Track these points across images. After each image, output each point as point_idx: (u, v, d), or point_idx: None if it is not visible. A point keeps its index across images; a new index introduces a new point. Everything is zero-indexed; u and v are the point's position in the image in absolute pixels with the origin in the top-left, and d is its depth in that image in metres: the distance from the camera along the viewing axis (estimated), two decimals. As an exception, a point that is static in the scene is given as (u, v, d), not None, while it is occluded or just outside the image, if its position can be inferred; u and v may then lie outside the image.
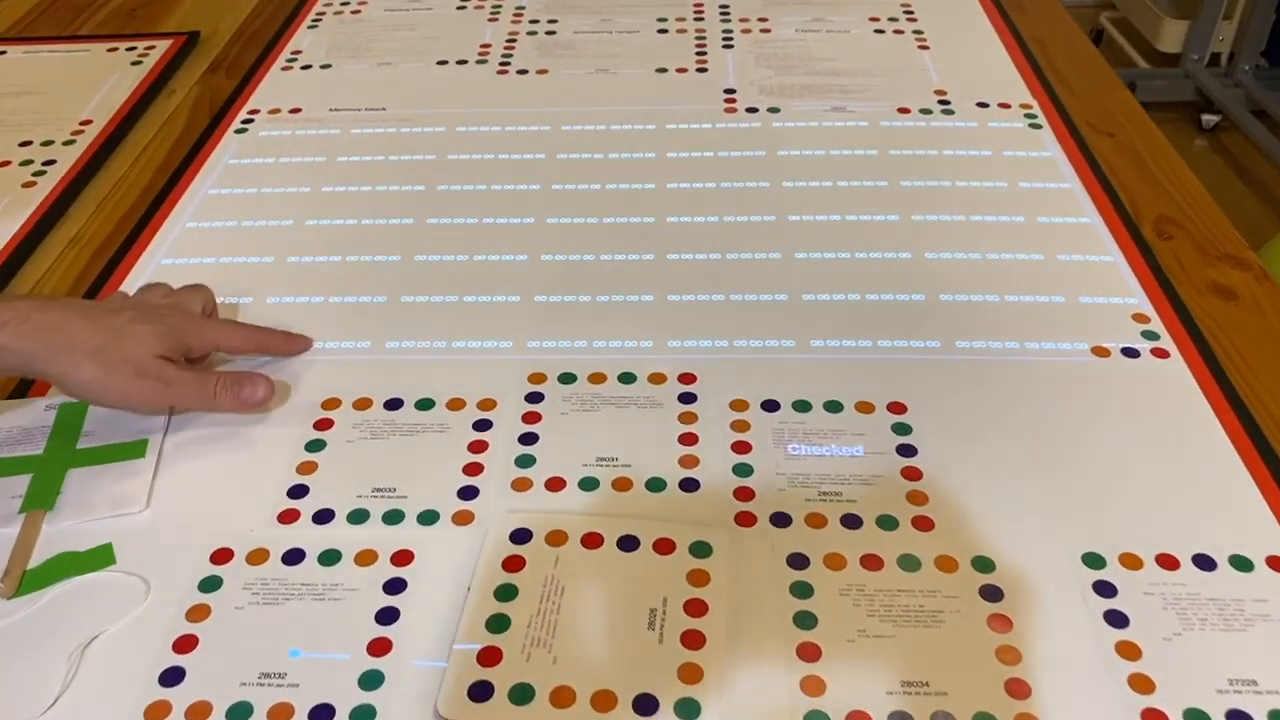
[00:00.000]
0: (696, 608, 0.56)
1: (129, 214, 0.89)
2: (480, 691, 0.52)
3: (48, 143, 0.97)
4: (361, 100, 1.03)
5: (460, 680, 0.53)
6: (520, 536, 0.60)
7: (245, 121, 1.01)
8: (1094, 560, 0.59)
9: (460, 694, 0.52)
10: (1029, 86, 1.03)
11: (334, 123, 1.00)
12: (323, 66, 1.10)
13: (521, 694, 0.52)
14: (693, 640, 0.54)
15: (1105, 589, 0.57)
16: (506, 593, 0.57)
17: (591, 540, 0.59)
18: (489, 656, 0.54)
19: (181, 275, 0.81)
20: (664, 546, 0.59)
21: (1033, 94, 1.02)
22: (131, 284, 0.81)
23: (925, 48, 1.10)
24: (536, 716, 0.51)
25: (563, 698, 0.52)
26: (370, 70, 1.09)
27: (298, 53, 1.13)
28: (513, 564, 0.58)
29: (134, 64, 1.10)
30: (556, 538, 0.60)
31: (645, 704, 0.52)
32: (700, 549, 0.59)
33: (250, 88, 1.07)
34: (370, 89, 1.05)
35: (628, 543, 0.59)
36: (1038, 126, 0.97)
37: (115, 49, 1.14)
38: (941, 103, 1.00)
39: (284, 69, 1.10)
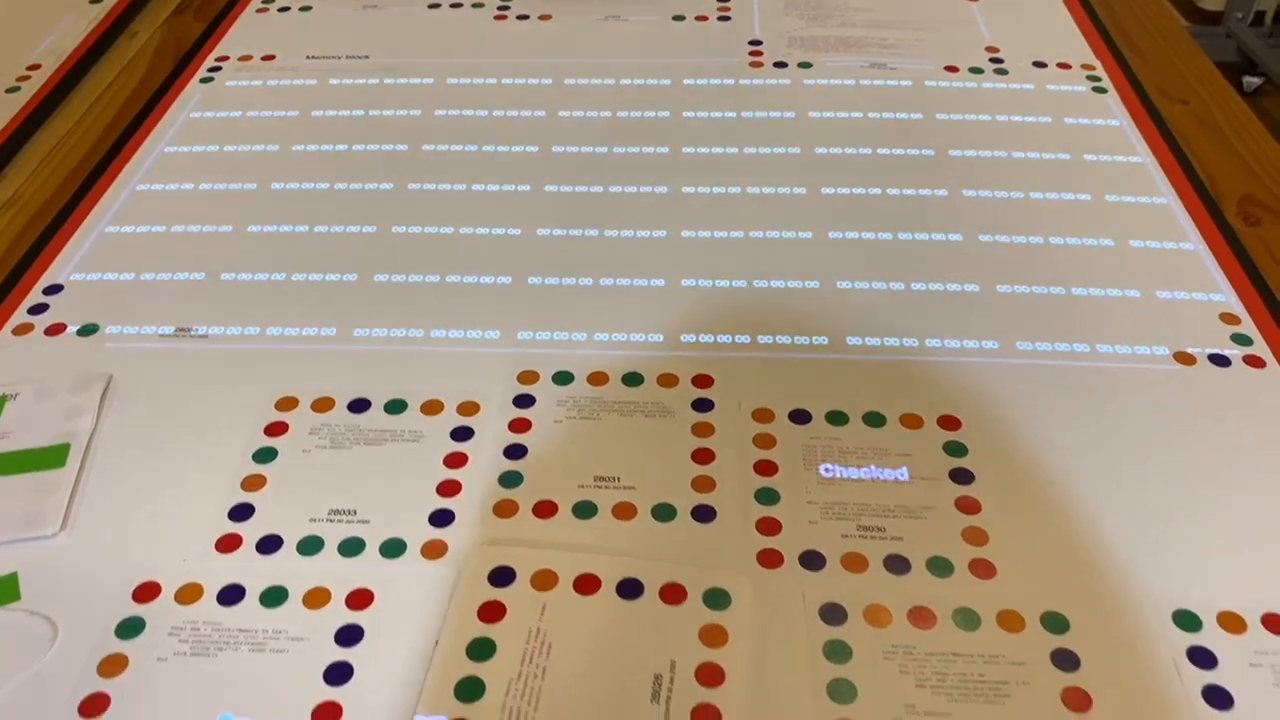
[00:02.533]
0: (710, 675, 0.46)
1: (74, 173, 0.79)
2: None
3: (-11, 89, 0.87)
4: (343, 47, 0.92)
5: None
6: (501, 577, 0.50)
7: (212, 69, 0.90)
8: (1188, 621, 0.49)
9: None
10: (1090, 44, 0.91)
11: (310, 72, 0.89)
12: (302, 9, 0.98)
13: None
14: (705, 718, 0.44)
15: (1202, 658, 0.47)
16: (482, 650, 0.47)
17: (586, 584, 0.50)
18: None
19: (127, 245, 0.71)
20: (673, 594, 0.49)
21: (1095, 54, 0.90)
22: (72, 253, 0.71)
23: (974, -1, 0.98)
24: None
25: None
26: (354, 13, 0.97)
27: (275, -8, 1.01)
28: (491, 612, 0.49)
29: (93, 2, 0.99)
30: (545, 579, 0.50)
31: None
32: (716, 599, 0.49)
33: (220, 31, 0.96)
34: (353, 34, 0.94)
35: (629, 588, 0.49)
36: (1102, 90, 0.86)
37: (73, -15, 1.02)
38: (994, 61, 0.89)
39: (259, 10, 0.99)
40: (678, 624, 0.48)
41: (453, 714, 0.45)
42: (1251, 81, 2.62)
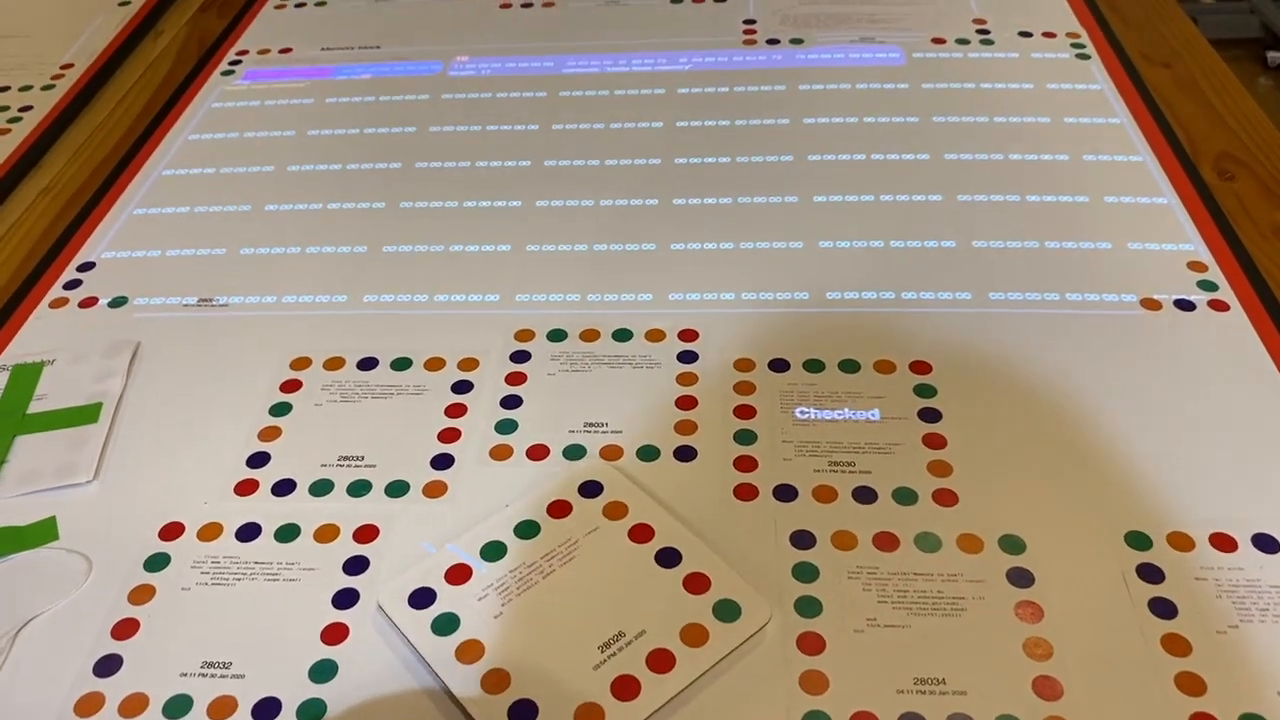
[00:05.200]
0: (661, 662, 0.48)
1: (105, 162, 0.84)
2: (419, 600, 0.50)
3: (26, 88, 0.92)
4: (355, 38, 0.97)
5: (418, 579, 0.51)
6: (589, 489, 0.55)
7: (233, 63, 0.95)
8: (1139, 540, 0.52)
9: (404, 591, 0.51)
10: (1077, 14, 0.94)
11: (325, 62, 0.93)
12: (317, 4, 1.03)
13: (444, 624, 0.49)
14: (624, 688, 0.47)
15: (1151, 573, 0.50)
16: (528, 530, 0.53)
17: (640, 533, 0.53)
18: (456, 575, 0.51)
19: (154, 226, 0.76)
20: (696, 583, 0.51)
21: (1081, 22, 0.93)
22: (103, 234, 0.76)
23: (964, -27, 1.01)
24: (435, 651, 0.48)
25: (468, 652, 0.48)
26: (367, 6, 1.02)
27: (293, -11, 1.06)
28: (557, 509, 0.54)
29: (122, 4, 1.05)
30: (615, 510, 0.54)
31: (525, 711, 0.46)
32: (726, 610, 0.49)
33: (241, 27, 1.01)
34: (366, 26, 0.99)
35: (668, 557, 0.52)
36: (1086, 57, 0.88)
37: (104, -11, 1.08)
38: (980, 32, 0.92)
39: (277, 7, 1.04)
40: (677, 607, 0.50)
41: (468, 561, 0.52)
42: (1275, 56, 2.61)
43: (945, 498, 0.54)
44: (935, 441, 0.57)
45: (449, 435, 0.59)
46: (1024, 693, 0.46)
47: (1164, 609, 0.49)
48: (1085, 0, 0.96)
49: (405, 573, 0.51)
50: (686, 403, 0.60)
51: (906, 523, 0.53)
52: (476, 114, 0.85)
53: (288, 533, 0.54)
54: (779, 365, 0.62)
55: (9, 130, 0.87)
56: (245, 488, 0.57)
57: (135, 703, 0.47)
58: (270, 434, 0.60)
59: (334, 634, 0.50)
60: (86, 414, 0.61)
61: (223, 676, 0.48)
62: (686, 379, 0.62)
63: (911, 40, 0.91)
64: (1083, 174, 0.75)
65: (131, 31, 1.00)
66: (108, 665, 0.49)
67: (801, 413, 0.59)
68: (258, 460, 0.58)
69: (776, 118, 0.83)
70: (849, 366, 0.62)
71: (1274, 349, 0.61)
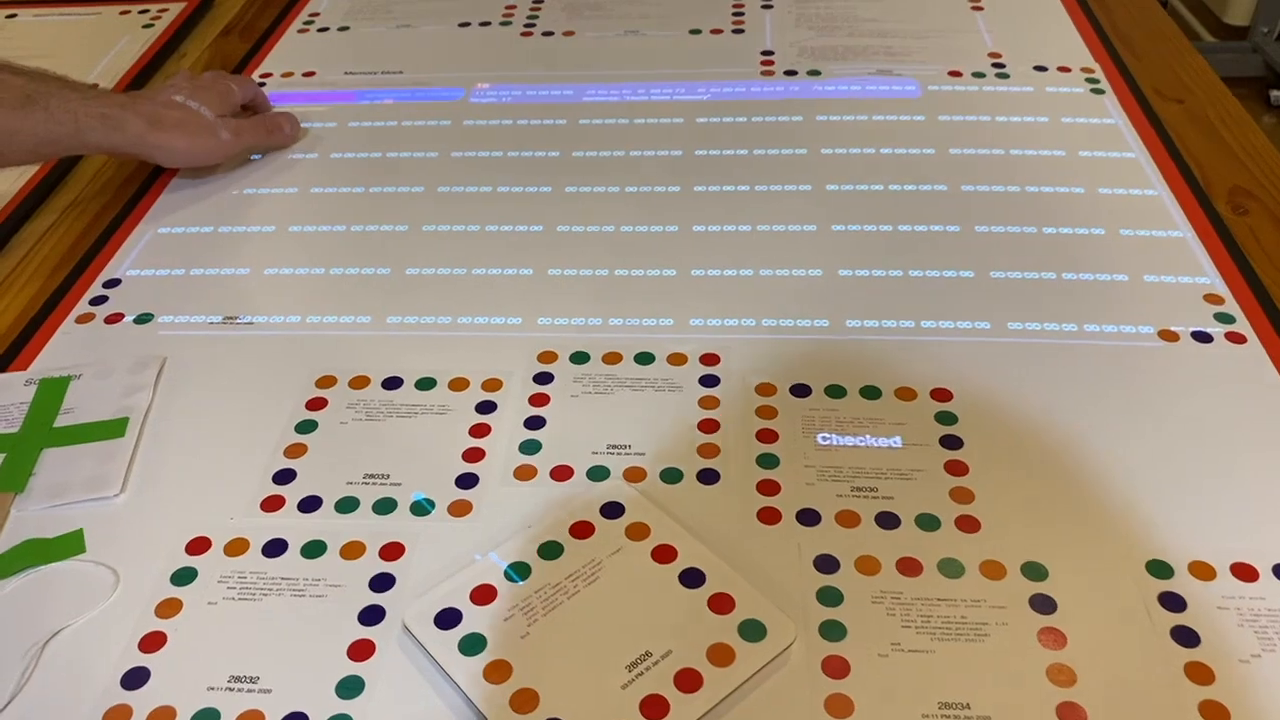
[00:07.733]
0: (689, 682, 0.48)
1: (129, 180, 0.85)
2: (446, 620, 0.50)
3: (52, 106, 0.93)
4: (378, 63, 0.98)
5: (443, 599, 0.51)
6: (611, 510, 0.55)
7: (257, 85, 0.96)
8: (1160, 569, 0.52)
9: (431, 611, 0.51)
10: (1091, 49, 0.95)
11: (348, 86, 0.95)
12: (340, 29, 1.05)
13: (471, 644, 0.49)
14: (652, 708, 0.47)
15: (1173, 602, 0.51)
16: (551, 551, 0.53)
17: (663, 554, 0.53)
18: (482, 595, 0.51)
19: (179, 244, 0.77)
20: (721, 603, 0.51)
21: (1095, 57, 0.94)
22: (128, 251, 0.76)
23: (979, 8, 1.02)
24: (464, 671, 0.48)
25: (496, 671, 0.48)
26: (389, 32, 1.03)
27: (315, 15, 1.08)
28: (579, 530, 0.54)
29: (145, 27, 1.06)
30: (638, 530, 0.54)
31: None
32: (751, 630, 0.50)
33: (264, 51, 1.02)
34: (388, 51, 1.00)
35: (692, 577, 0.52)
36: (1100, 92, 0.89)
37: (128, 12, 1.10)
38: (996, 66, 0.93)
39: (300, 31, 1.05)
40: (701, 629, 0.50)
41: (492, 581, 0.52)
42: (1279, 95, 2.63)
43: (967, 524, 0.55)
44: (957, 468, 0.58)
45: (473, 455, 0.60)
46: (1047, 718, 0.46)
47: (1186, 637, 0.49)
48: (1099, 35, 0.97)
49: (428, 594, 0.52)
50: (709, 426, 0.61)
51: (929, 549, 0.54)
52: (498, 140, 0.86)
53: (314, 549, 0.55)
54: (800, 390, 0.63)
55: (35, 148, 0.87)
56: (271, 504, 0.57)
57: (163, 716, 0.48)
58: (296, 451, 0.60)
59: (360, 650, 0.50)
60: (113, 428, 0.61)
61: (250, 691, 0.48)
62: (708, 402, 0.62)
63: (927, 73, 0.92)
64: (1098, 207, 0.76)
65: (155, 53, 1.01)
66: (135, 678, 0.49)
67: (823, 438, 0.60)
68: (284, 477, 0.59)
69: (794, 148, 0.84)
70: (870, 393, 0.62)
71: (1291, 381, 0.62)
